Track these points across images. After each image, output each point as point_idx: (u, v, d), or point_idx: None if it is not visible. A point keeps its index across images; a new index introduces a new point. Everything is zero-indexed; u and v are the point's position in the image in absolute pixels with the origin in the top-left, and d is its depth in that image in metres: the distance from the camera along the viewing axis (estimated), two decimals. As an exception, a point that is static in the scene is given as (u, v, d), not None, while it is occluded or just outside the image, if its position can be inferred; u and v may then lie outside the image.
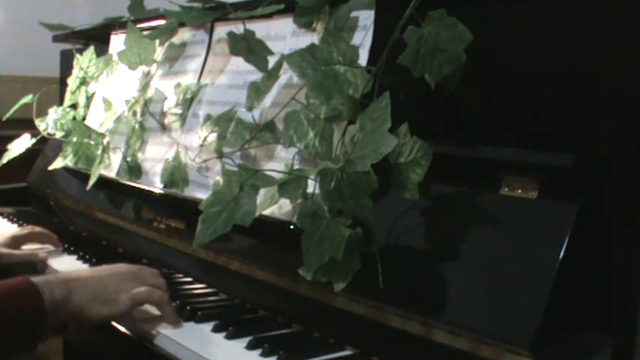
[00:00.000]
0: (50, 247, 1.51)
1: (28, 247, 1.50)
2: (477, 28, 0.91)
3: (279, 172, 1.06)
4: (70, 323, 1.11)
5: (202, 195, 1.27)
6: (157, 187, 1.44)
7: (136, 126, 1.58)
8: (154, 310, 1.08)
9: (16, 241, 1.45)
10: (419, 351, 0.89)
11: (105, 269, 1.08)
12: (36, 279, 0.99)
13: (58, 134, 1.83)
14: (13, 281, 0.98)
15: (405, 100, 0.99)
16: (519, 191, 0.87)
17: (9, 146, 1.87)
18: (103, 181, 1.57)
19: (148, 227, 1.45)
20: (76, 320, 1.05)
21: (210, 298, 1.19)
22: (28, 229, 1.52)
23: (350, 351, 0.95)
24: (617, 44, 0.83)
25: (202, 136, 1.31)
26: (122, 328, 1.09)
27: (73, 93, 1.88)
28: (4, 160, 1.86)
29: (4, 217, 1.93)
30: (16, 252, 1.42)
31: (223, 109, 1.30)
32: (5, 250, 1.40)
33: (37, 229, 1.51)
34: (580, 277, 0.82)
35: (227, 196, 1.03)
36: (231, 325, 1.00)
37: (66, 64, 2.11)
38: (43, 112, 1.89)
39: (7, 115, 1.94)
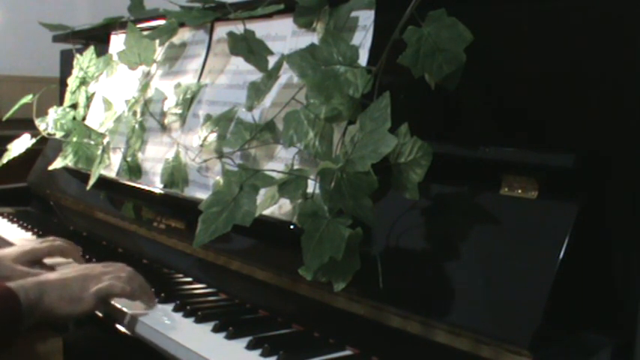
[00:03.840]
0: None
1: (50, 262, 1.37)
2: (477, 28, 0.91)
3: (279, 172, 1.06)
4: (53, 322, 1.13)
5: (202, 195, 1.27)
6: (157, 187, 1.44)
7: (136, 126, 1.58)
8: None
9: (33, 257, 1.34)
10: (419, 351, 0.89)
11: (72, 270, 1.13)
12: (10, 283, 1.03)
13: (58, 134, 1.83)
14: None
15: (405, 100, 0.99)
16: (519, 191, 0.87)
17: (9, 146, 1.87)
18: (103, 181, 1.57)
19: (148, 227, 1.45)
20: (46, 319, 1.08)
21: (210, 298, 1.19)
22: (48, 241, 1.39)
23: (350, 351, 0.95)
24: (618, 44, 0.83)
25: (202, 136, 1.31)
26: (123, 329, 1.10)
27: (73, 93, 1.88)
28: (4, 160, 1.86)
29: (4, 217, 1.93)
30: (32, 271, 1.27)
31: (223, 109, 1.30)
32: (19, 268, 1.28)
33: (58, 242, 1.39)
34: (580, 277, 0.82)
35: (227, 196, 1.03)
36: (231, 325, 1.00)
37: (66, 64, 2.11)
38: (43, 112, 1.89)
39: (7, 115, 1.94)
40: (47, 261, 1.38)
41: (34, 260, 1.35)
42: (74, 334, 1.27)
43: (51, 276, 1.11)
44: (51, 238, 1.44)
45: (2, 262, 1.29)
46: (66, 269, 1.16)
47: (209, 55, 1.46)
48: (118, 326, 1.11)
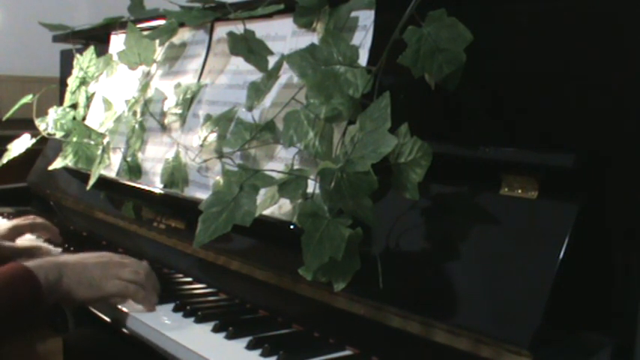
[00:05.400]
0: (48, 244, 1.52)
1: (28, 238, 1.50)
2: (477, 28, 0.91)
3: (279, 172, 1.06)
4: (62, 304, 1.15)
5: (202, 195, 1.27)
6: (157, 187, 1.44)
7: (136, 126, 1.58)
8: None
9: (16, 232, 1.44)
10: (419, 351, 0.89)
11: (90, 256, 1.15)
12: (29, 264, 1.04)
13: (58, 134, 1.83)
14: (9, 268, 1.02)
15: (405, 100, 0.99)
16: (519, 191, 0.87)
17: (9, 146, 1.87)
18: (103, 181, 1.57)
19: (148, 227, 1.45)
20: (63, 302, 1.10)
21: (210, 298, 1.19)
22: (30, 219, 1.51)
23: (350, 351, 0.95)
24: (617, 44, 0.83)
25: (202, 136, 1.31)
26: (123, 329, 1.10)
27: (73, 93, 1.88)
28: (4, 160, 1.86)
29: (4, 217, 1.93)
30: (18, 244, 1.41)
31: (223, 109, 1.30)
32: (7, 243, 1.39)
33: (39, 220, 1.50)
34: (580, 277, 0.82)
35: (227, 196, 1.03)
36: (231, 325, 1.00)
37: (66, 64, 2.11)
38: (43, 112, 1.89)
39: (7, 115, 1.94)
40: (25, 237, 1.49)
41: (18, 236, 1.45)
42: (74, 334, 1.27)
43: (70, 259, 1.12)
44: (31, 216, 1.54)
45: None
46: (83, 255, 1.18)
47: (209, 55, 1.46)
48: (118, 326, 1.11)
